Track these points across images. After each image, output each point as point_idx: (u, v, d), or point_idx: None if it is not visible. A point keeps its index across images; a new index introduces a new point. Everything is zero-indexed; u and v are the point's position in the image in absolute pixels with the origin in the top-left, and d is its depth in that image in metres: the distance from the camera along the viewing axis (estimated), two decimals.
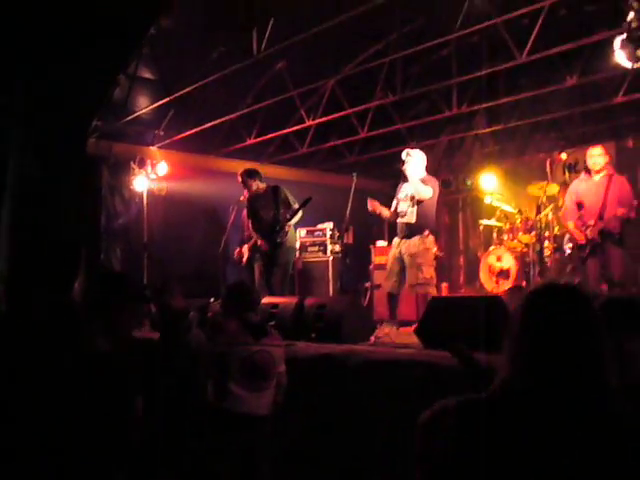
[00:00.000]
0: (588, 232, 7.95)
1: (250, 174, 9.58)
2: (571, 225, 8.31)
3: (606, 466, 1.84)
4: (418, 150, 8.36)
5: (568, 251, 8.27)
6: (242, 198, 10.28)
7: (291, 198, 9.34)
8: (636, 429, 1.90)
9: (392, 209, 8.33)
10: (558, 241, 9.74)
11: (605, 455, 1.85)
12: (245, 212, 10.03)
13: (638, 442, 1.87)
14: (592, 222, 7.88)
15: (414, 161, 8.15)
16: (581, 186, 8.27)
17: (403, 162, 8.14)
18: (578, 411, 1.90)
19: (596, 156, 8.06)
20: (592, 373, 1.95)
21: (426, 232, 7.97)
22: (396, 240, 8.21)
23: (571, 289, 2.13)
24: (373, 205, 8.30)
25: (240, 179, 9.57)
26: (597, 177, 8.10)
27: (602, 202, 7.86)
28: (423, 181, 8.06)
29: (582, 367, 1.95)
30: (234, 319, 5.42)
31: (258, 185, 9.55)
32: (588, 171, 8.18)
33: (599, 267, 7.85)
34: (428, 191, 7.99)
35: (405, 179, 8.23)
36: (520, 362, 1.99)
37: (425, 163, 8.26)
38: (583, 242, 8.03)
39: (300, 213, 9.38)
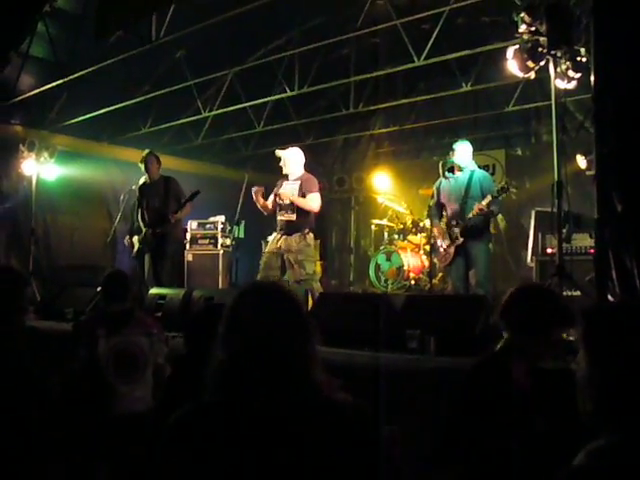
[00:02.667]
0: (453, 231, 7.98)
1: (158, 158, 9.47)
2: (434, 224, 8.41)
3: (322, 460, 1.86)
4: (295, 148, 8.40)
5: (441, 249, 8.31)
6: (133, 187, 10.13)
7: (182, 192, 9.27)
8: (347, 420, 1.93)
9: (269, 203, 8.31)
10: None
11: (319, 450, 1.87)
12: (136, 201, 9.89)
13: (350, 432, 1.91)
14: (454, 222, 7.94)
15: (290, 162, 8.20)
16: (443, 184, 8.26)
17: (279, 160, 8.20)
18: (286, 412, 1.91)
19: (460, 152, 8.12)
20: (297, 374, 1.97)
21: (306, 230, 8.02)
22: (275, 235, 8.23)
23: (276, 287, 2.18)
24: (260, 193, 8.28)
25: (144, 161, 9.41)
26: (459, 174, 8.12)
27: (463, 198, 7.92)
28: (303, 181, 8.11)
29: (287, 371, 1.96)
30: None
31: (157, 170, 9.45)
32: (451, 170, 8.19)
33: (463, 266, 7.93)
34: (315, 202, 8.06)
35: (286, 177, 8.26)
36: (221, 370, 1.99)
37: (303, 160, 8.32)
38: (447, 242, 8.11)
39: (188, 207, 9.31)
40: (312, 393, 1.94)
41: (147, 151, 9.60)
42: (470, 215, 7.70)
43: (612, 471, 1.60)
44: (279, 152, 8.30)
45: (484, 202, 7.58)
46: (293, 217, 8.06)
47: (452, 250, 7.94)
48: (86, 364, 5.06)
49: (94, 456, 5.03)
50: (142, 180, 9.63)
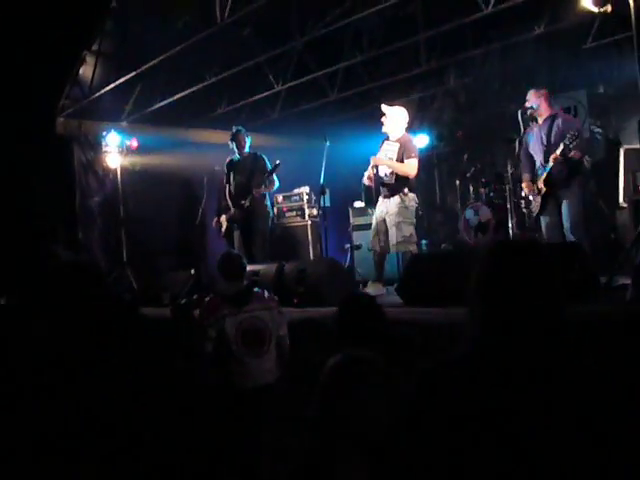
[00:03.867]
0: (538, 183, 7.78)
1: (239, 136, 9.59)
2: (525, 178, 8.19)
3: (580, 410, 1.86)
4: (398, 107, 8.37)
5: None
6: (216, 168, 10.24)
7: (266, 166, 9.36)
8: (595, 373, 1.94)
9: (368, 170, 8.37)
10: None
11: (577, 399, 1.87)
12: (223, 180, 10.01)
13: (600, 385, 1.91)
14: (540, 172, 7.73)
15: (391, 121, 8.20)
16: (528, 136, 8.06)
17: (383, 114, 8.19)
18: (550, 359, 1.92)
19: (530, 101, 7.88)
20: (556, 321, 1.97)
21: (405, 190, 8.01)
22: (380, 200, 8.28)
23: (531, 243, 2.15)
24: (370, 178, 8.35)
25: (233, 138, 9.56)
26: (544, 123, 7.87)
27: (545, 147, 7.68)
28: (402, 142, 8.11)
29: (548, 318, 1.96)
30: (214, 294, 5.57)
31: (245, 144, 9.57)
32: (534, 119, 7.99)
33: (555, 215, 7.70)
34: (412, 167, 8.03)
35: (387, 138, 8.27)
36: (491, 319, 1.99)
37: (406, 119, 8.29)
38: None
39: (275, 180, 9.40)
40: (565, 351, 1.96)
41: (235, 128, 9.71)
42: (549, 165, 7.50)
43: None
44: (385, 107, 8.29)
45: (558, 151, 7.34)
46: (392, 180, 8.09)
47: (539, 200, 7.77)
48: (216, 344, 5.22)
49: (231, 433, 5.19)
50: (229, 158, 9.74)
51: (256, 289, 5.70)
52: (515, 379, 1.90)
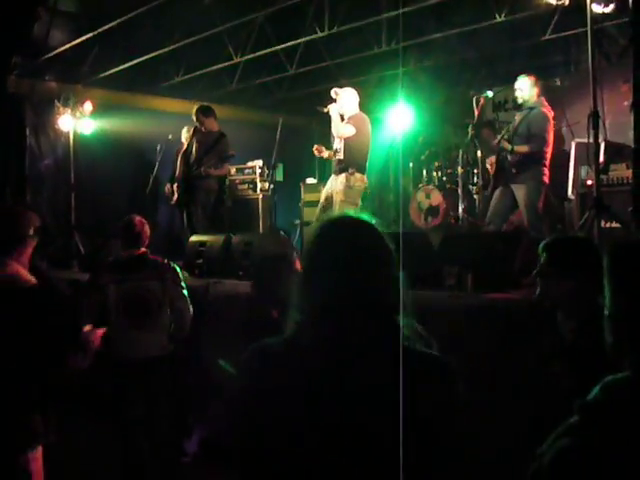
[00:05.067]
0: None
1: (204, 111, 9.51)
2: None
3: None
4: (348, 88, 8.36)
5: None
6: (170, 137, 10.16)
7: (226, 151, 9.33)
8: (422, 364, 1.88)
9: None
10: (486, 178, 9.79)
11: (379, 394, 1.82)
12: (179, 149, 9.95)
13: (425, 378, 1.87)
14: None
15: (343, 99, 8.18)
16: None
17: (333, 101, 8.16)
18: (368, 352, 1.85)
19: (518, 89, 7.94)
20: (381, 313, 1.90)
21: (352, 169, 8.01)
22: (332, 176, 8.31)
23: (359, 221, 2.02)
24: (319, 150, 8.39)
25: (194, 116, 9.46)
26: (524, 111, 7.93)
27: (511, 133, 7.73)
28: (351, 119, 8.09)
29: (371, 308, 1.88)
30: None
31: (211, 124, 9.49)
32: (518, 106, 8.08)
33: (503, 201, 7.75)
34: (347, 129, 8.04)
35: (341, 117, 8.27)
36: (306, 314, 1.92)
37: (357, 100, 8.28)
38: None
39: (226, 167, 9.44)
40: (398, 342, 1.86)
41: (196, 106, 9.63)
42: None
43: (626, 405, 1.57)
44: (335, 90, 8.27)
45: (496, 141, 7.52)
46: (341, 156, 8.09)
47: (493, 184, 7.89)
48: (94, 311, 5.12)
49: (113, 399, 5.15)
50: (195, 127, 9.65)
51: (195, 262, 5.62)
52: (325, 361, 1.84)
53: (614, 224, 6.45)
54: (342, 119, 8.26)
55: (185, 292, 5.39)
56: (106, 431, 5.47)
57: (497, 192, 7.79)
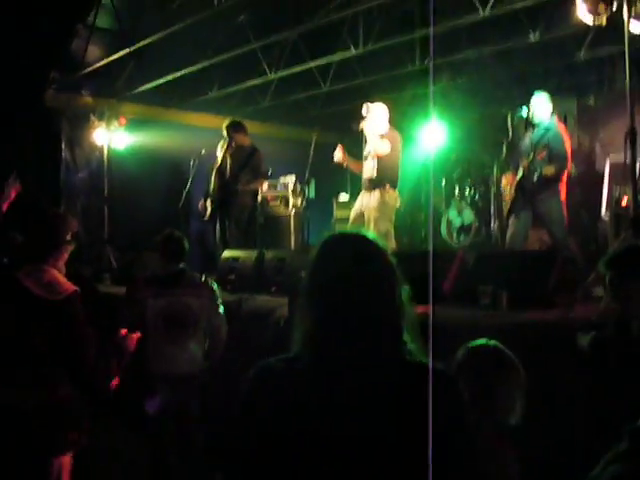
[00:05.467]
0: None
1: (235, 127, 9.52)
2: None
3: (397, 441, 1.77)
4: (379, 104, 8.34)
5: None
6: (203, 152, 10.21)
7: (263, 166, 9.33)
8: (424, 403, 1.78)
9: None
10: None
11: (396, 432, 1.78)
12: (213, 164, 9.99)
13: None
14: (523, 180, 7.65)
15: (374, 116, 8.16)
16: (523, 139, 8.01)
17: (363, 117, 8.14)
18: (369, 367, 1.82)
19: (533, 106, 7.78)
20: (386, 343, 1.86)
21: (387, 186, 8.00)
22: (362, 192, 8.28)
23: (363, 238, 1.99)
24: (341, 153, 8.32)
25: (225, 131, 9.49)
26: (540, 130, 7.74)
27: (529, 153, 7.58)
28: (382, 136, 8.08)
29: (372, 337, 1.85)
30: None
31: (242, 139, 9.50)
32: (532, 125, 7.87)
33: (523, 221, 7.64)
34: (385, 146, 8.01)
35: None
36: (306, 330, 1.90)
37: (387, 116, 8.26)
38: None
39: (262, 182, 9.44)
40: (399, 355, 1.86)
41: (226, 122, 9.64)
42: (520, 173, 7.54)
43: None
44: (367, 105, 8.25)
45: (525, 162, 7.43)
46: (374, 174, 8.07)
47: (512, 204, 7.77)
48: (132, 324, 5.16)
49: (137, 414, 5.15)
50: (229, 143, 9.67)
51: (228, 278, 5.61)
52: (326, 377, 1.83)
53: None
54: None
55: (222, 310, 5.40)
56: (134, 441, 5.48)
57: (515, 214, 7.67)
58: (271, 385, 1.89)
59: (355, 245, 1.96)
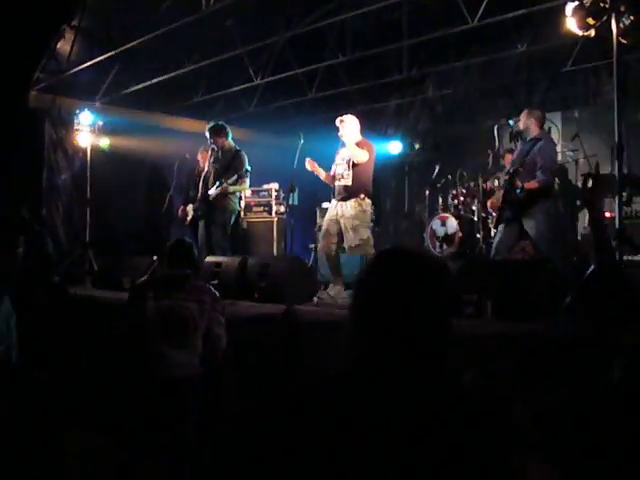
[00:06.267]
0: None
1: (217, 130, 9.46)
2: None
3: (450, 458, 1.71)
4: (350, 115, 8.37)
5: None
6: (187, 156, 10.16)
7: (246, 167, 9.28)
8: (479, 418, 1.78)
9: (331, 173, 8.32)
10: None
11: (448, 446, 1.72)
12: (196, 170, 9.94)
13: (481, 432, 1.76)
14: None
15: (348, 126, 8.17)
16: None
17: (338, 128, 8.15)
18: (417, 402, 1.76)
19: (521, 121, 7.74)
20: (435, 360, 1.81)
21: (362, 195, 8.00)
22: (333, 202, 8.27)
23: (417, 254, 1.94)
24: (311, 165, 8.34)
25: (207, 135, 9.44)
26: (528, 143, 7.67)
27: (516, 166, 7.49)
28: (359, 144, 8.09)
29: (424, 353, 1.80)
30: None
31: (225, 142, 9.45)
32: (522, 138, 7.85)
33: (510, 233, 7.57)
34: (364, 155, 8.03)
35: (343, 144, 8.24)
36: (359, 343, 1.84)
37: (358, 127, 8.28)
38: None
39: (247, 182, 9.40)
40: (445, 381, 1.81)
41: (209, 125, 9.59)
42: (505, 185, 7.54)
43: None
44: (340, 118, 8.27)
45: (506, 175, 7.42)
46: (349, 182, 8.05)
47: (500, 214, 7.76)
48: (134, 325, 5.16)
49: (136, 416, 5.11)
50: (211, 146, 9.61)
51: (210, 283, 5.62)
52: (379, 403, 1.76)
53: (635, 256, 6.41)
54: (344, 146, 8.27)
55: (223, 319, 5.41)
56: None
57: (503, 224, 7.67)
58: (318, 405, 1.83)
59: (418, 265, 1.88)
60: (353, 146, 8.05)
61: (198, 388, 5.25)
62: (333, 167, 8.33)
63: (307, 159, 8.36)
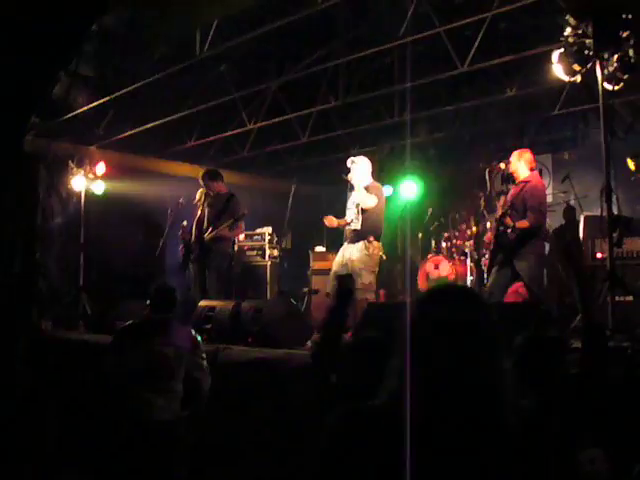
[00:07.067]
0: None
1: (211, 176, 9.49)
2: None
3: None
4: (362, 157, 8.43)
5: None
6: (181, 201, 10.20)
7: (241, 210, 9.30)
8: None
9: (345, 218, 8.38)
10: None
11: None
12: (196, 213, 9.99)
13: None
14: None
15: (359, 168, 8.22)
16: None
17: (349, 170, 8.20)
18: (461, 439, 1.75)
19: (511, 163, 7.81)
20: (486, 405, 1.78)
21: (370, 238, 8.03)
22: (344, 245, 8.29)
23: (463, 290, 1.97)
24: (329, 221, 8.39)
25: (201, 181, 9.47)
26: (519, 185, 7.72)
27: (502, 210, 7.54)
28: (367, 188, 8.14)
29: (473, 397, 1.77)
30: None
31: (219, 187, 9.48)
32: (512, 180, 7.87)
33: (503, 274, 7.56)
34: (372, 200, 8.07)
35: (352, 187, 8.29)
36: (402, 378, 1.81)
37: (370, 169, 8.34)
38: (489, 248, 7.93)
39: (242, 227, 9.42)
40: (501, 417, 1.79)
41: (202, 171, 9.63)
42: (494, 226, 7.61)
43: None
44: (352, 159, 8.33)
45: (497, 215, 7.45)
46: (358, 226, 8.10)
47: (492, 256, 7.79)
48: (113, 371, 5.18)
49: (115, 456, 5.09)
50: (207, 191, 9.64)
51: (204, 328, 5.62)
52: (420, 438, 1.73)
53: (626, 297, 6.44)
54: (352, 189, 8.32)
55: (204, 363, 5.42)
56: None
57: (496, 266, 7.67)
58: (359, 434, 1.84)
59: (464, 305, 1.88)
60: (362, 191, 8.10)
61: (181, 432, 5.24)
62: (347, 212, 8.39)
63: (325, 218, 8.41)
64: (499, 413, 1.79)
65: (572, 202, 10.44)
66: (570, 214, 10.41)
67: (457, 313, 1.84)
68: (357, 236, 8.11)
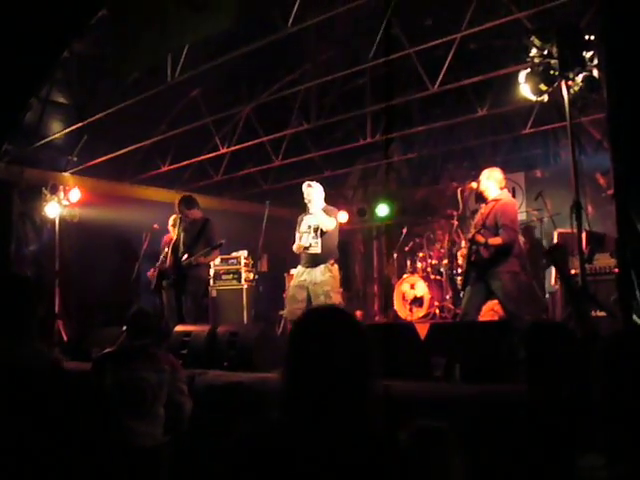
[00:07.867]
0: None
1: (186, 203, 9.46)
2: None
3: None
4: (315, 182, 8.49)
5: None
6: (155, 226, 10.18)
7: (216, 237, 9.28)
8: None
9: (296, 241, 8.38)
10: None
11: None
12: (165, 238, 9.95)
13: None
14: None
15: (315, 192, 8.28)
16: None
17: (304, 195, 8.26)
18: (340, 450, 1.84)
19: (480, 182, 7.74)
20: (354, 416, 1.89)
21: (331, 261, 8.11)
22: (300, 269, 8.32)
23: (336, 312, 2.06)
24: (299, 248, 8.41)
25: (177, 208, 9.44)
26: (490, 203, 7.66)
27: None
28: (326, 211, 8.20)
29: (342, 407, 1.88)
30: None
31: (194, 214, 9.45)
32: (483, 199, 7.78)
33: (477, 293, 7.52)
34: (332, 222, 8.14)
35: (307, 211, 8.33)
36: (284, 394, 1.96)
37: (323, 194, 8.40)
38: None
39: (215, 253, 9.40)
40: (364, 428, 1.88)
41: (178, 198, 9.60)
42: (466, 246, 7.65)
43: None
44: (309, 183, 8.38)
45: (469, 235, 7.48)
46: (317, 250, 8.12)
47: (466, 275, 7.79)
48: (93, 399, 5.16)
49: None
50: (181, 216, 9.61)
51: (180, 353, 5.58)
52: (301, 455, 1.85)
53: (599, 313, 6.49)
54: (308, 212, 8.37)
55: (184, 387, 5.40)
56: None
57: (470, 285, 7.66)
58: (257, 450, 1.92)
59: (332, 323, 1.99)
60: (321, 213, 8.15)
61: (163, 457, 5.22)
62: (297, 235, 8.39)
63: (295, 246, 8.41)
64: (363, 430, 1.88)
65: (545, 219, 10.54)
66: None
67: (329, 334, 1.95)
68: (317, 259, 8.13)
